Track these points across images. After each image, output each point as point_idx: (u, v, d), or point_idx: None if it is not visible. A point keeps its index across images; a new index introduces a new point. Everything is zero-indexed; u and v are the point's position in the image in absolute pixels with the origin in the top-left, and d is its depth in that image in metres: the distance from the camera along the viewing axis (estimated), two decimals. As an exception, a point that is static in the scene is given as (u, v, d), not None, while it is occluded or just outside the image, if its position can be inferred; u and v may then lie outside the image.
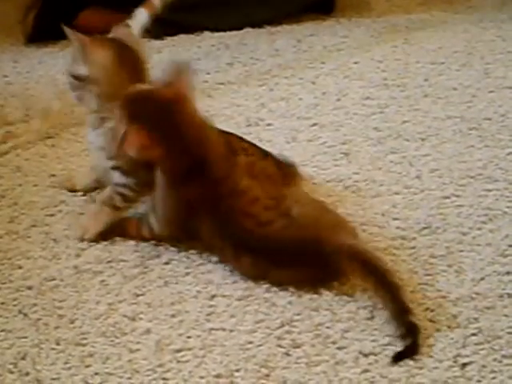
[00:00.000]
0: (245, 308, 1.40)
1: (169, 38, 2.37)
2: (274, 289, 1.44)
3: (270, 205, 1.44)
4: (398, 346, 1.31)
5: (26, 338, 1.35)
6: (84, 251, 1.54)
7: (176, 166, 1.45)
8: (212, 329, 1.36)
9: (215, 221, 1.44)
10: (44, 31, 2.32)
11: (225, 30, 2.39)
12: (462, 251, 1.53)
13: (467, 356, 1.31)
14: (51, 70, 2.20)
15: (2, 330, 1.37)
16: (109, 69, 1.51)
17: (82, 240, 1.56)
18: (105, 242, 1.56)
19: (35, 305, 1.41)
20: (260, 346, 1.33)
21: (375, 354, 1.31)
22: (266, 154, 1.58)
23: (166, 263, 1.50)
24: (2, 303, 1.42)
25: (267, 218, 1.42)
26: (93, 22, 2.26)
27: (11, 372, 1.29)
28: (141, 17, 2.08)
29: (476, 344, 1.33)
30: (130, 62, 1.53)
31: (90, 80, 1.52)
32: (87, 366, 1.30)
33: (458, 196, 1.69)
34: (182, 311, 1.40)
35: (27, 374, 1.29)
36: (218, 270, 1.48)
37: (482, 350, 1.32)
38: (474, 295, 1.43)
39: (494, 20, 2.52)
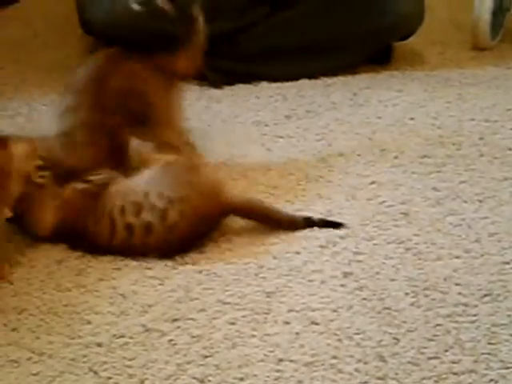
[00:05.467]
0: (311, 374, 1.42)
1: (227, 88, 2.39)
2: (341, 354, 1.46)
3: None
4: None
5: (97, 397, 1.38)
6: (151, 307, 1.57)
7: None
8: (280, 395, 1.38)
9: None
10: None
11: (281, 81, 2.41)
12: (524, 320, 1.55)
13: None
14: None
15: (74, 388, 1.40)
16: None
17: None
18: (171, 299, 1.59)
19: (105, 362, 1.44)
20: (328, 414, 1.35)
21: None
22: None
23: (232, 323, 1.53)
24: (72, 359, 1.45)
25: None
26: None
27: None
28: None
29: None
30: None
31: None
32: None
33: (517, 262, 1.71)
34: (249, 375, 1.42)
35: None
36: (284, 333, 1.50)
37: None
38: (537, 367, 1.43)
39: (546, 76, 2.53)
